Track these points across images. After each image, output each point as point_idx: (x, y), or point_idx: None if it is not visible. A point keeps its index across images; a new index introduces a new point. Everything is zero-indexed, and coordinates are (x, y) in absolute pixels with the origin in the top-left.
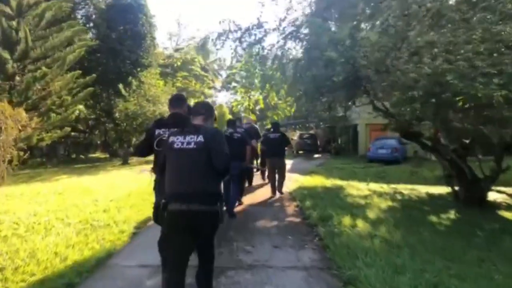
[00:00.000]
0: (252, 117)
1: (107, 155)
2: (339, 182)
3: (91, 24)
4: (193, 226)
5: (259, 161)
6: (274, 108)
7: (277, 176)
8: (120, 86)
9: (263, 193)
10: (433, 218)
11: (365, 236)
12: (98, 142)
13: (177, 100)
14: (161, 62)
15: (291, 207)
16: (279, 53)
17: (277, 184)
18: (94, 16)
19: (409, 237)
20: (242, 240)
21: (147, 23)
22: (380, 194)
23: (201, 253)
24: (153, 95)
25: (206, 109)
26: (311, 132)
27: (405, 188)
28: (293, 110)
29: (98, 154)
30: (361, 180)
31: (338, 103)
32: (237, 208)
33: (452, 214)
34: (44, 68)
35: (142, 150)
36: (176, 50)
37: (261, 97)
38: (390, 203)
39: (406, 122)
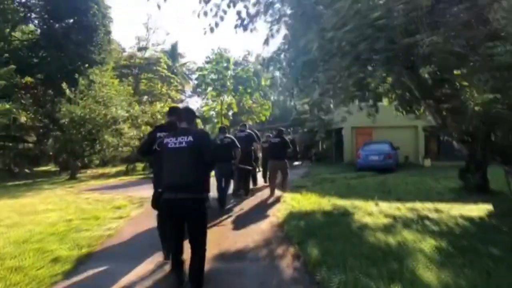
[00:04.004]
0: (225, 122)
1: (58, 168)
2: (340, 202)
3: (31, 15)
4: (182, 210)
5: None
6: (248, 112)
7: (279, 176)
8: (64, 85)
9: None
10: None
11: None
12: (51, 153)
13: (171, 111)
14: (123, 63)
15: (287, 259)
16: None
17: (282, 184)
18: (32, 4)
19: None
20: None
21: (100, 13)
22: (405, 223)
23: (192, 240)
24: (105, 96)
25: (188, 115)
26: (289, 137)
27: (427, 209)
28: (268, 113)
29: (50, 167)
30: (364, 196)
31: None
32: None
33: None
34: None
35: (144, 150)
36: (140, 49)
37: (234, 100)
38: (431, 240)
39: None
